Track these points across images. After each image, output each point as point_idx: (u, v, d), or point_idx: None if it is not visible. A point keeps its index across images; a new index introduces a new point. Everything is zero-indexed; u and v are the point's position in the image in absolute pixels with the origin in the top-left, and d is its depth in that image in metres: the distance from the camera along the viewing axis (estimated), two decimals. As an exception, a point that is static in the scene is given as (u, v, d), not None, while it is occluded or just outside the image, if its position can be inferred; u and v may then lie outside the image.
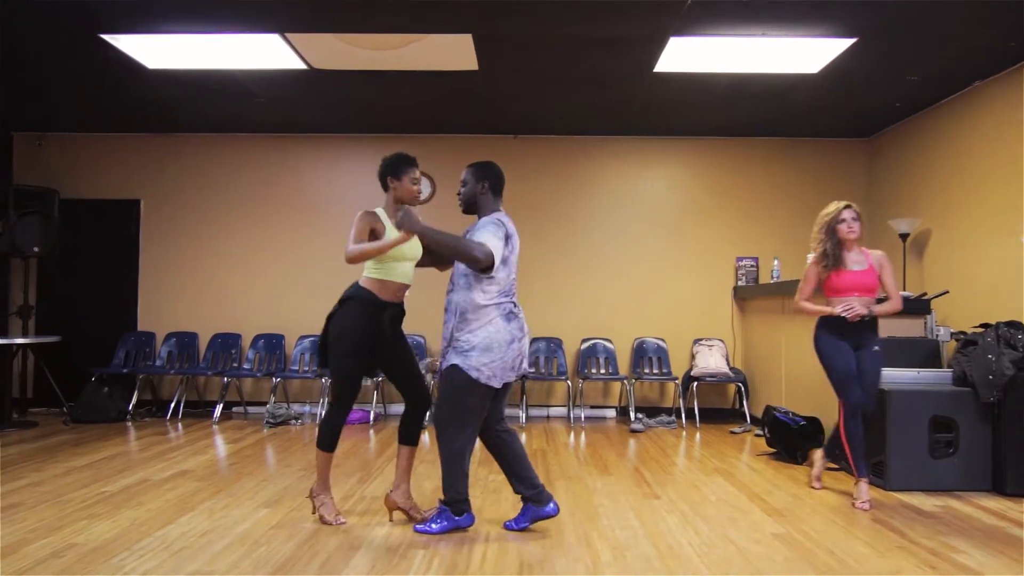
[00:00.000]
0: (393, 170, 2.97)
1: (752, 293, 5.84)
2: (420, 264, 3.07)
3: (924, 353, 4.03)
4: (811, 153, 6.17)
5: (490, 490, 3.59)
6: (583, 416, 5.84)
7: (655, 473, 3.99)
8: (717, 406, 6.03)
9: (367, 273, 2.95)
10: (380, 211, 2.94)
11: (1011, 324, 3.77)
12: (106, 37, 4.02)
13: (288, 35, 4.02)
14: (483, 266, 2.70)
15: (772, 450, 4.56)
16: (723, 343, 5.93)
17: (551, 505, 2.90)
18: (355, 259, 2.83)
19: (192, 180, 6.24)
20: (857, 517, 3.19)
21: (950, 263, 4.97)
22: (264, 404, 5.79)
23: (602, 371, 5.93)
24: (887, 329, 4.17)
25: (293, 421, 5.51)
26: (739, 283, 6.06)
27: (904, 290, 5.01)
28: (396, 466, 3.05)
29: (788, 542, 2.83)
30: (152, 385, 6.07)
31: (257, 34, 4.01)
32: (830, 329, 3.50)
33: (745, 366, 5.95)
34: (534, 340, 5.97)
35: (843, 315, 3.38)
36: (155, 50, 4.26)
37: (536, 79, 4.74)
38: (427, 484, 3.67)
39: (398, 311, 3.02)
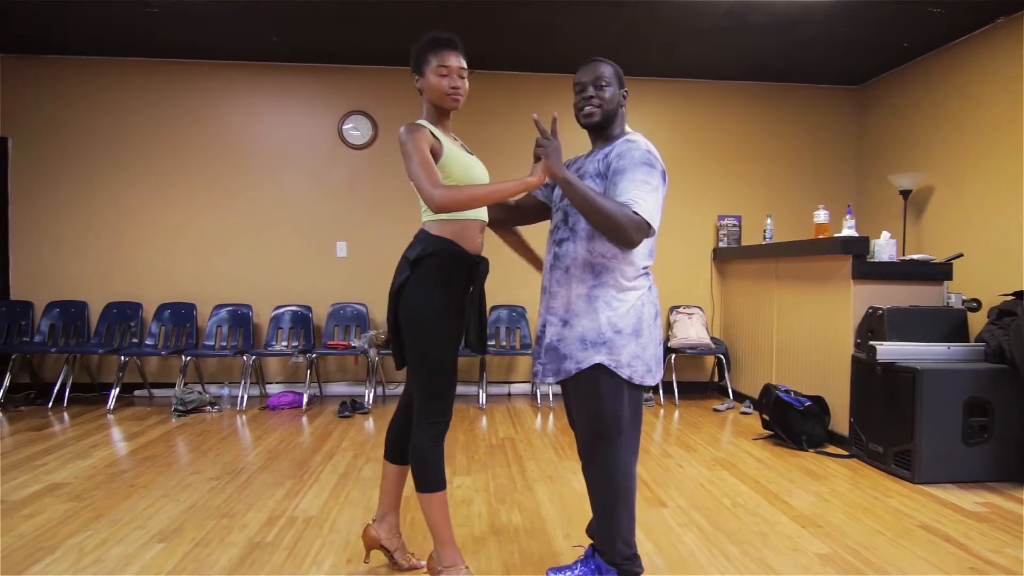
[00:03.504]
0: (414, 62, 2.00)
1: (734, 255, 5.27)
2: (495, 222, 2.15)
3: (950, 325, 3.54)
4: (799, 101, 5.59)
5: (457, 501, 2.88)
6: (551, 394, 5.19)
7: (650, 469, 3.38)
8: (694, 379, 5.50)
9: (435, 216, 1.97)
10: (424, 123, 1.98)
11: (1053, 292, 3.31)
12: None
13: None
14: (634, 245, 1.83)
15: (768, 433, 4.04)
16: (702, 311, 5.37)
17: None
18: (455, 207, 1.79)
19: (75, 115, 5.08)
20: (901, 524, 2.66)
21: (958, 223, 4.52)
22: (173, 385, 4.85)
23: (570, 343, 5.26)
24: (902, 297, 3.68)
25: (208, 407, 4.61)
26: (720, 244, 5.49)
27: (905, 254, 4.56)
28: (381, 490, 2.17)
29: (841, 567, 2.26)
30: (31, 366, 5.01)
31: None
32: None
33: (725, 336, 5.42)
34: (493, 308, 5.25)
35: None
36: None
37: (504, -6, 3.90)
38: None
39: (486, 267, 2.07)
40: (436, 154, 1.91)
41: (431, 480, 1.95)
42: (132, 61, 5.10)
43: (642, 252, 1.93)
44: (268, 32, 4.56)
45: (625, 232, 1.78)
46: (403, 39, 4.66)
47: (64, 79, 5.06)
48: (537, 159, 1.84)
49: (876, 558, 2.34)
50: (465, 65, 1.99)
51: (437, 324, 1.93)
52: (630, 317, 1.89)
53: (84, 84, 5.08)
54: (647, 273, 1.97)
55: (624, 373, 1.89)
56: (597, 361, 1.88)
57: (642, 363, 1.90)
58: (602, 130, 2.00)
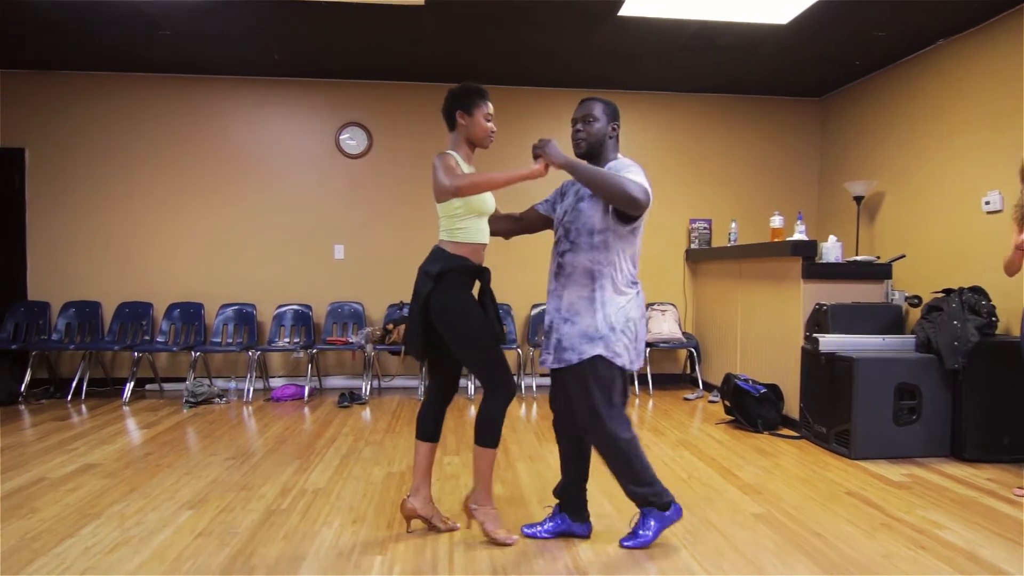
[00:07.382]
0: (464, 102, 2.44)
1: (704, 256, 5.68)
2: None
3: (887, 319, 3.96)
4: (765, 112, 6.01)
5: (447, 475, 3.27)
6: (534, 385, 5.60)
7: (619, 448, 3.78)
8: (668, 371, 5.91)
9: (453, 237, 2.44)
10: (453, 154, 2.43)
11: (974, 290, 3.73)
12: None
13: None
14: (641, 207, 2.21)
15: (730, 418, 4.45)
16: (675, 308, 5.78)
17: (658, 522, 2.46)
18: (474, 188, 2.30)
19: (88, 126, 5.43)
20: (831, 491, 3.08)
21: (903, 227, 4.95)
22: (182, 380, 5.21)
23: (552, 338, 5.65)
24: (847, 295, 4.10)
25: (217, 399, 4.98)
26: (692, 245, 5.90)
27: (857, 255, 4.97)
28: (415, 466, 2.55)
29: (771, 523, 2.67)
30: (49, 362, 5.36)
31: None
32: None
33: (696, 331, 5.84)
34: (481, 306, 5.63)
35: None
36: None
37: (489, 16, 4.27)
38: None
39: (490, 275, 2.56)
40: None
41: (492, 438, 2.41)
42: (142, 76, 5.45)
43: (630, 260, 2.35)
44: (270, 50, 4.92)
45: (629, 194, 2.18)
46: (397, 57, 5.03)
47: (78, 93, 5.40)
48: (536, 157, 2.32)
49: (803, 516, 2.75)
50: None
51: (470, 318, 2.40)
52: (621, 316, 2.31)
53: (97, 97, 5.42)
54: (636, 282, 2.40)
55: (619, 362, 2.30)
56: (597, 352, 2.29)
57: (633, 352, 2.34)
58: (593, 158, 2.41)
